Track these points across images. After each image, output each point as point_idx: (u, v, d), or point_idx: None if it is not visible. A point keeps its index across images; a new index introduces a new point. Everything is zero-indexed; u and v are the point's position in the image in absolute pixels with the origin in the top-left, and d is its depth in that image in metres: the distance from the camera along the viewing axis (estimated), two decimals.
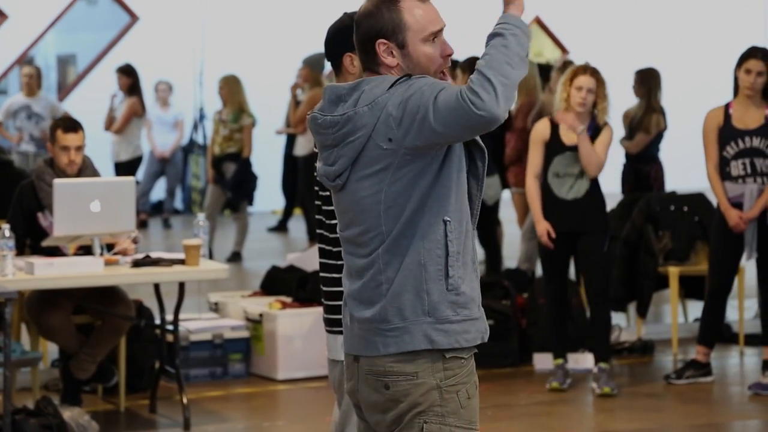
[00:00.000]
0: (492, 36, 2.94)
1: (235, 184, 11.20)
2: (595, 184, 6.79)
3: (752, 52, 6.87)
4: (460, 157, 3.03)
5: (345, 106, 3.03)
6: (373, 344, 3.04)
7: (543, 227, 6.76)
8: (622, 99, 9.78)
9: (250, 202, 11.55)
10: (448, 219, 3.00)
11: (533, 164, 6.83)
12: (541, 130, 6.84)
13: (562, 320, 6.98)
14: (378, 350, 3.03)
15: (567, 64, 9.07)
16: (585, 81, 6.70)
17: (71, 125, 6.29)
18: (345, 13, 3.80)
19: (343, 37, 3.72)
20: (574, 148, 6.74)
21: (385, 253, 3.01)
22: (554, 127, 6.80)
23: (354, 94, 3.03)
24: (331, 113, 3.05)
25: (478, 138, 3.04)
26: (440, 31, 3.05)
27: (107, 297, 6.34)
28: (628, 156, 9.33)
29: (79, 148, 6.27)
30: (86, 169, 6.37)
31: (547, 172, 6.79)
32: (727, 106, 6.96)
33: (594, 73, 6.74)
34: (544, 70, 9.48)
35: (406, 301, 3.00)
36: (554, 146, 6.78)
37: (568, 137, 6.77)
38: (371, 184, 3.01)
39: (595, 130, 6.77)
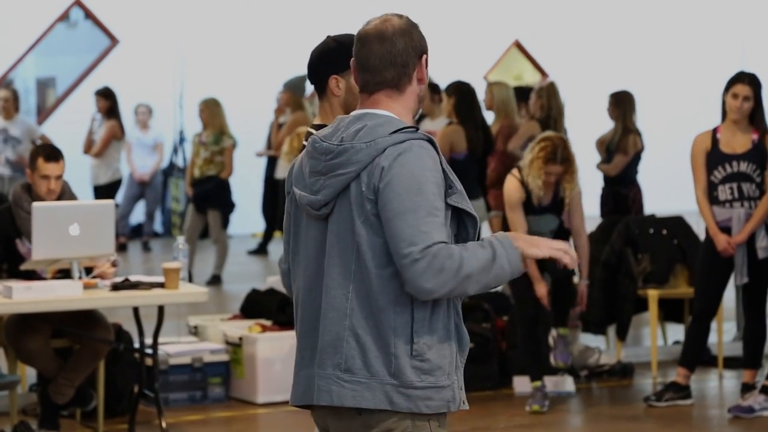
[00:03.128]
0: (495, 246, 2.95)
1: (215, 202, 11.20)
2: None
3: (740, 77, 6.90)
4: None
5: (345, 135, 3.01)
6: (326, 393, 2.99)
7: (543, 290, 6.93)
8: (600, 123, 9.84)
9: (225, 225, 11.54)
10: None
11: (521, 224, 6.91)
12: (516, 195, 6.91)
13: (537, 342, 7.02)
14: (331, 400, 2.99)
15: (550, 86, 9.09)
16: (555, 169, 6.85)
17: (52, 154, 6.24)
18: (329, 36, 3.80)
19: (329, 60, 3.72)
20: (547, 210, 6.96)
21: (356, 299, 2.97)
22: (525, 187, 6.91)
23: (357, 125, 3.02)
24: (329, 140, 3.03)
25: (469, 206, 3.02)
26: None
27: (86, 321, 6.31)
28: (606, 179, 9.36)
29: (59, 177, 6.24)
30: (64, 194, 6.34)
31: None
32: (714, 131, 6.99)
33: (564, 160, 6.83)
34: (524, 93, 9.52)
35: (374, 357, 2.95)
36: (528, 208, 6.96)
37: (540, 199, 6.92)
38: (350, 221, 2.98)
39: (559, 202, 6.93)
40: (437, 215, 2.92)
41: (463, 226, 3.03)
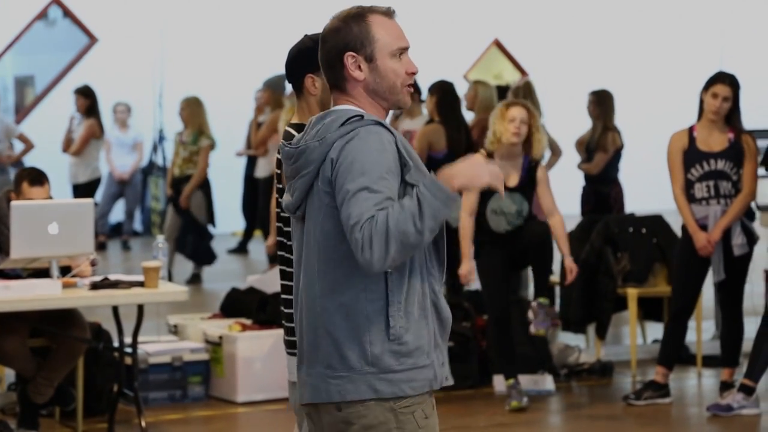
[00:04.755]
0: (419, 190, 2.90)
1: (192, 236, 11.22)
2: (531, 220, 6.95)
3: (720, 77, 6.92)
4: None
5: (306, 136, 3.04)
6: (317, 391, 3.03)
7: (467, 267, 6.81)
8: (579, 121, 9.86)
9: (212, 224, 11.54)
10: (389, 270, 2.96)
11: (469, 202, 6.84)
12: None
13: (509, 341, 7.03)
14: (320, 397, 3.02)
15: (526, 85, 9.12)
16: (518, 112, 6.76)
17: (37, 178, 6.20)
18: (306, 35, 3.82)
19: (305, 59, 3.74)
20: (512, 189, 6.85)
21: (323, 297, 2.99)
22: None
23: (318, 125, 3.04)
24: (292, 144, 3.06)
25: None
26: (406, 49, 3.07)
27: (62, 319, 6.29)
28: (587, 178, 9.39)
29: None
30: None
31: (486, 207, 6.86)
32: (691, 129, 7.02)
33: (525, 104, 6.83)
34: (502, 92, 9.54)
35: (349, 350, 2.97)
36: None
37: (505, 176, 6.84)
38: (316, 220, 3.01)
39: (529, 169, 6.86)
40: (380, 191, 2.90)
41: None
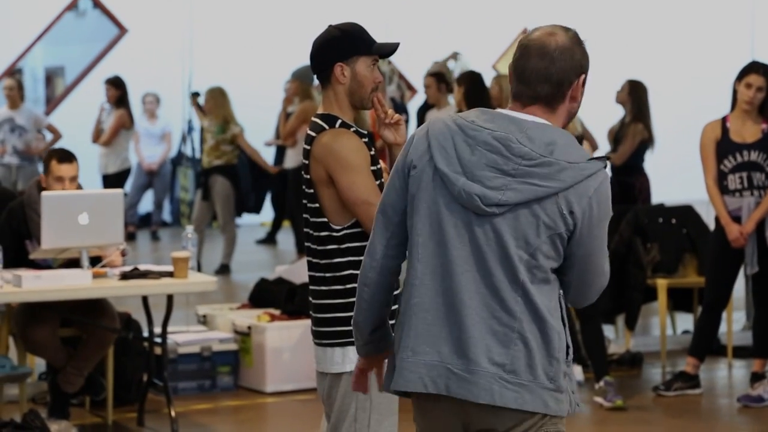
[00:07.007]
0: None
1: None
2: None
3: (754, 67, 6.88)
4: None
5: (526, 142, 2.95)
6: (487, 392, 2.97)
7: None
8: (609, 113, 9.82)
9: (239, 213, 11.59)
10: (561, 292, 3.07)
11: None
12: None
13: (602, 340, 7.04)
14: (493, 399, 2.96)
15: None
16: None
17: (65, 156, 6.25)
18: (330, 25, 3.83)
19: (332, 48, 3.76)
20: None
21: (524, 304, 2.97)
22: None
23: (539, 134, 2.97)
24: (520, 143, 2.95)
25: None
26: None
27: (92, 309, 6.33)
28: (613, 168, 9.35)
29: (74, 179, 6.25)
30: None
31: None
32: (724, 120, 6.98)
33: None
34: None
35: (538, 361, 2.97)
36: None
37: None
38: (527, 231, 2.96)
39: None
40: None
41: None
